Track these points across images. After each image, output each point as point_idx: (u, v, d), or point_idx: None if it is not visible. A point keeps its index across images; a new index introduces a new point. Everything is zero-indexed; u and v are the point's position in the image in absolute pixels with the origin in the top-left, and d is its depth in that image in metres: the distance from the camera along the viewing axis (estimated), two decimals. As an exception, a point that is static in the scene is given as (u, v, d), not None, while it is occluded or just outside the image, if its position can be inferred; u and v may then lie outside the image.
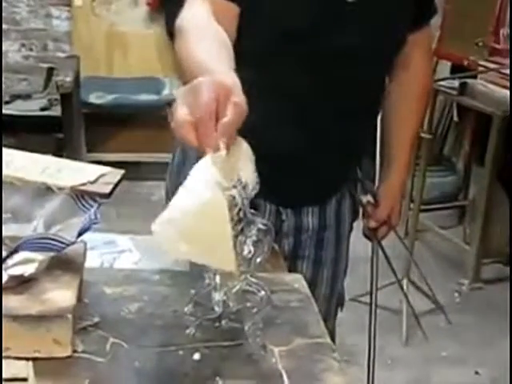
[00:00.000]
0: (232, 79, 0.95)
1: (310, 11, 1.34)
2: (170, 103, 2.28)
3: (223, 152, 0.92)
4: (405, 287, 3.08)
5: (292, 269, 1.54)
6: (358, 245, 3.74)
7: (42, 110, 4.07)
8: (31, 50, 4.36)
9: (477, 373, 2.83)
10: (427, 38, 1.61)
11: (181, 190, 0.91)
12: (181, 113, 0.90)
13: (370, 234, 1.76)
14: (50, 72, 4.12)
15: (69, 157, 3.87)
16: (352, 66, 1.39)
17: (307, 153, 1.46)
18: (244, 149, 1.01)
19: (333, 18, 1.35)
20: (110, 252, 1.42)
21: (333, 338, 1.16)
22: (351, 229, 1.72)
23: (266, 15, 1.35)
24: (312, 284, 1.46)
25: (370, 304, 1.85)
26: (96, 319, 1.06)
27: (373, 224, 1.72)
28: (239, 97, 0.91)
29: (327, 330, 1.09)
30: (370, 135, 1.63)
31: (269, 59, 1.39)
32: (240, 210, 1.04)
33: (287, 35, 1.34)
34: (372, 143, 1.78)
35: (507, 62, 3.35)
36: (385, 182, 1.70)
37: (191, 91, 0.92)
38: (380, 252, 1.82)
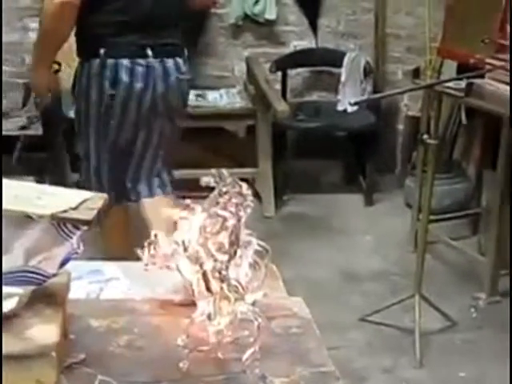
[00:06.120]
0: None
1: None
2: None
3: None
4: (416, 304, 3.07)
5: None
6: (363, 262, 3.74)
7: (21, 128, 4.07)
8: (7, 65, 4.36)
9: (497, 393, 2.82)
10: None
11: None
12: None
13: None
14: (28, 88, 4.12)
15: (52, 178, 3.87)
16: None
17: None
18: None
19: None
20: (97, 281, 1.42)
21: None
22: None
23: None
24: None
25: None
26: (82, 356, 1.06)
27: None
28: None
29: None
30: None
31: None
32: (232, 232, 1.05)
33: None
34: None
35: (516, 58, 3.36)
36: None
37: None
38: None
